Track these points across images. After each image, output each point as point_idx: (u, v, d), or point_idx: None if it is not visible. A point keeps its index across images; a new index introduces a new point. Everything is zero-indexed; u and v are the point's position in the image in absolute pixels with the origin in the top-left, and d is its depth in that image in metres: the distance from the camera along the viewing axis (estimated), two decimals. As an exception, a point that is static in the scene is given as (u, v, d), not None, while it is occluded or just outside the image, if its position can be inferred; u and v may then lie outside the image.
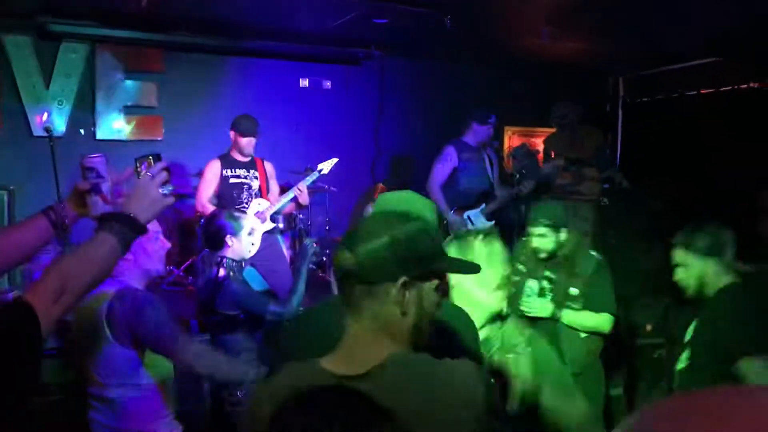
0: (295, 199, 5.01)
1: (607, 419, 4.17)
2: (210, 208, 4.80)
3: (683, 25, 5.34)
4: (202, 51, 6.60)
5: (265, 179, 5.07)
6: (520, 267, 3.46)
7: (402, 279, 1.34)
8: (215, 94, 6.70)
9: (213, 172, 4.94)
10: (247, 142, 4.99)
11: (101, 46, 6.25)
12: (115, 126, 6.31)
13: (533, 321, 3.17)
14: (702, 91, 6.69)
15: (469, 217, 5.39)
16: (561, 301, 3.32)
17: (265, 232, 4.94)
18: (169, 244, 2.65)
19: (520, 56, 6.92)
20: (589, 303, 3.32)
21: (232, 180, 4.94)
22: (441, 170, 5.50)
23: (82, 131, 6.19)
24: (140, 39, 6.25)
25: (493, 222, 5.41)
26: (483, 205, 5.43)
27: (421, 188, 5.55)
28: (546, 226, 3.40)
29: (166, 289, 5.77)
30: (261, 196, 5.02)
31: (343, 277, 1.38)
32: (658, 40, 5.87)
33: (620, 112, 7.82)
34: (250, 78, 6.86)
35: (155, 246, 2.57)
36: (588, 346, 3.33)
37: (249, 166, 5.04)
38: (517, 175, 6.22)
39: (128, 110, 6.38)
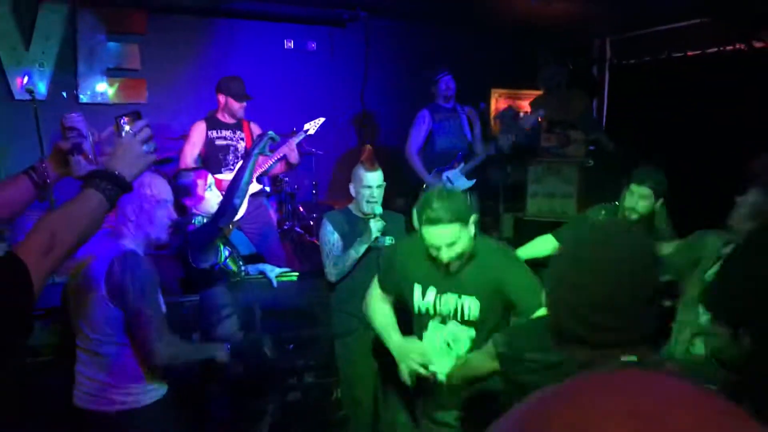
0: (284, 158, 4.94)
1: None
2: None
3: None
4: (185, 12, 6.49)
5: (251, 141, 5.01)
6: None
7: None
8: (199, 56, 6.62)
9: (198, 133, 4.88)
10: (240, 107, 4.92)
11: (82, 7, 6.14)
12: (98, 89, 6.23)
13: None
14: (689, 53, 6.65)
15: (448, 178, 5.38)
16: None
17: (252, 195, 4.92)
18: (176, 215, 2.65)
19: (507, 18, 6.86)
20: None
21: (218, 142, 4.89)
22: (416, 135, 5.49)
23: (64, 94, 6.10)
24: (122, 0, 6.15)
25: (474, 181, 5.37)
26: (462, 164, 5.41)
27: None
28: (651, 188, 3.51)
29: (153, 253, 5.75)
30: None
31: None
32: (645, 0, 5.84)
33: (607, 74, 7.79)
34: (235, 40, 6.76)
35: (161, 213, 2.58)
36: None
37: (235, 127, 4.97)
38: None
39: (111, 73, 6.30)
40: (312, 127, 5.07)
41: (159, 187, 2.59)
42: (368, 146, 3.99)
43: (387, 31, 7.23)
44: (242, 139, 4.97)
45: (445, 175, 5.39)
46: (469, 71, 6.83)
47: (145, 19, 6.39)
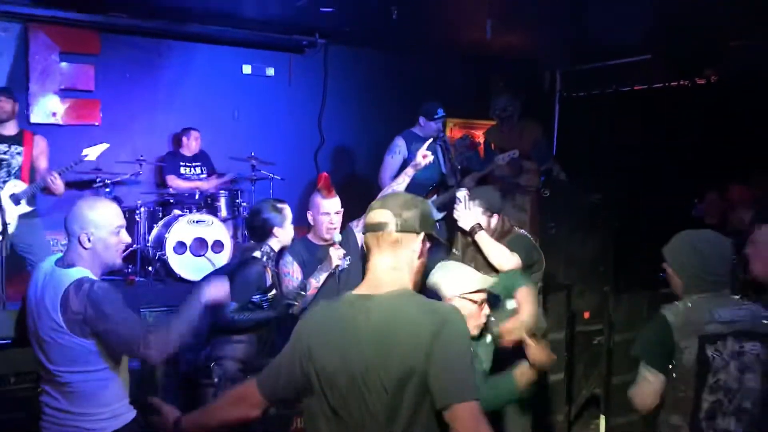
0: (47, 188, 4.42)
1: (546, 404, 4.34)
2: None
3: (619, 21, 5.52)
4: (140, 34, 6.42)
5: (30, 156, 4.41)
6: None
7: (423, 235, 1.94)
8: (155, 78, 6.56)
9: None
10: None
11: (34, 26, 6.02)
12: (49, 109, 6.10)
13: None
14: (635, 88, 6.93)
15: None
16: None
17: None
18: (129, 239, 2.62)
19: (463, 48, 7.01)
20: None
21: None
22: (391, 162, 5.32)
23: (14, 114, 5.96)
24: (75, 20, 6.05)
25: (445, 213, 5.37)
26: (435, 197, 5.37)
27: (370, 179, 5.54)
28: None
29: (105, 279, 5.62)
30: (21, 177, 4.39)
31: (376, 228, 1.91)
32: (595, 35, 6.06)
33: (557, 106, 8.02)
34: (192, 63, 6.72)
35: (116, 240, 2.53)
36: None
37: (11, 141, 4.37)
38: (459, 167, 6.32)
39: (63, 93, 6.19)
40: (92, 152, 4.57)
41: (111, 213, 2.55)
42: (324, 173, 3.95)
43: (345, 58, 7.30)
44: (19, 153, 4.39)
45: None
46: (424, 100, 6.95)
47: (99, 39, 6.31)
